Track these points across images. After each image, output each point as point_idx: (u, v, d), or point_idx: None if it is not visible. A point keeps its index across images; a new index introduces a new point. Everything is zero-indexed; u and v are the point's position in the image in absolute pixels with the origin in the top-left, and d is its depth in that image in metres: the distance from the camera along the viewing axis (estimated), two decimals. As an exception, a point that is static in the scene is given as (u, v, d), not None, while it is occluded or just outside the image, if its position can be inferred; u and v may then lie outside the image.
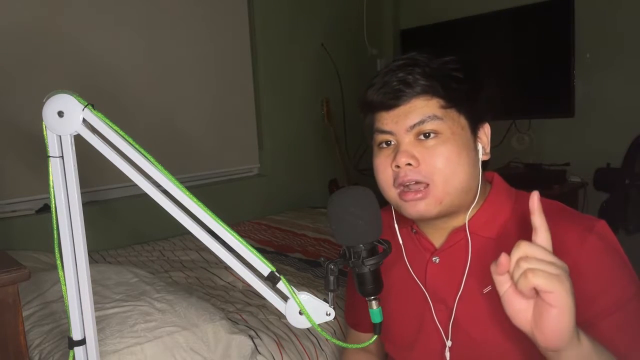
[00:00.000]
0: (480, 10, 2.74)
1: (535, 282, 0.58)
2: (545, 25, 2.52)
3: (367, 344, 0.74)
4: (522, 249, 0.61)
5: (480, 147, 0.83)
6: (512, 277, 0.62)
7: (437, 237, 0.87)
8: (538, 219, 0.63)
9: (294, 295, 0.65)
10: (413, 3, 3.29)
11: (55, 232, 0.64)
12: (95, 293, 0.89)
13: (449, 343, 0.84)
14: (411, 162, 0.78)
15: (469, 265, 0.82)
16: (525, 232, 0.79)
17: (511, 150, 2.76)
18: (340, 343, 0.75)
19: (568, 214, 0.81)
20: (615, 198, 2.22)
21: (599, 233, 0.76)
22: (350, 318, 1.08)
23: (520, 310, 0.62)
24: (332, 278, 0.66)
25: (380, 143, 0.83)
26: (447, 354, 0.84)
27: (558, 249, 0.75)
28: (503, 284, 0.63)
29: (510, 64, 2.70)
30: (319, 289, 1.60)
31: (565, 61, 2.42)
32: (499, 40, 2.71)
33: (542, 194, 0.86)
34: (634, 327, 0.73)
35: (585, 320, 0.70)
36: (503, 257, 0.61)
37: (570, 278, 0.60)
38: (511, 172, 2.64)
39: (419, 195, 0.78)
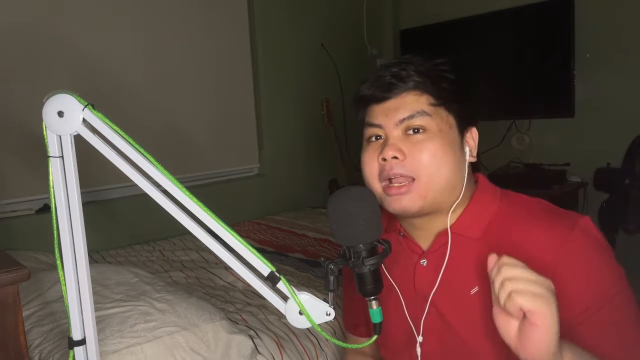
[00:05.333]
0: (480, 10, 2.74)
1: (520, 302, 0.60)
2: (545, 25, 2.52)
3: (367, 343, 0.74)
4: (507, 270, 0.62)
5: (467, 149, 0.84)
6: (497, 297, 0.63)
7: (424, 239, 0.88)
8: (504, 271, 0.64)
9: (294, 295, 0.65)
10: (413, 3, 3.29)
11: (55, 232, 0.64)
12: (95, 293, 0.89)
13: (420, 338, 0.85)
14: (397, 155, 0.78)
15: (446, 264, 0.83)
16: (510, 233, 0.80)
17: (511, 150, 2.76)
18: (340, 343, 0.75)
19: (550, 213, 0.81)
20: (615, 198, 2.22)
21: (582, 229, 0.76)
22: (349, 322, 1.08)
23: (506, 325, 0.64)
24: (332, 278, 0.67)
25: (370, 137, 0.84)
26: (418, 350, 0.85)
27: (541, 249, 0.75)
28: (495, 298, 0.65)
29: (510, 64, 2.70)
30: (319, 289, 1.60)
31: (565, 61, 2.42)
32: (499, 40, 2.71)
33: (540, 194, 0.87)
34: (618, 325, 0.73)
35: (569, 319, 0.70)
36: (490, 258, 0.64)
37: (555, 296, 0.62)
38: (511, 172, 2.64)
39: (403, 189, 0.79)
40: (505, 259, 0.64)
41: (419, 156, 0.78)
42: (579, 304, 0.73)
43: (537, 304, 0.60)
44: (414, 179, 0.79)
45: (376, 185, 0.82)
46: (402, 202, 0.79)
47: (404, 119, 0.80)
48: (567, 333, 0.74)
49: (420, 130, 0.79)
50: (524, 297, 0.60)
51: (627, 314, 0.74)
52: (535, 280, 0.61)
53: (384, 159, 0.80)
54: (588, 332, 0.72)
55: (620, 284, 0.75)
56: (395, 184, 0.79)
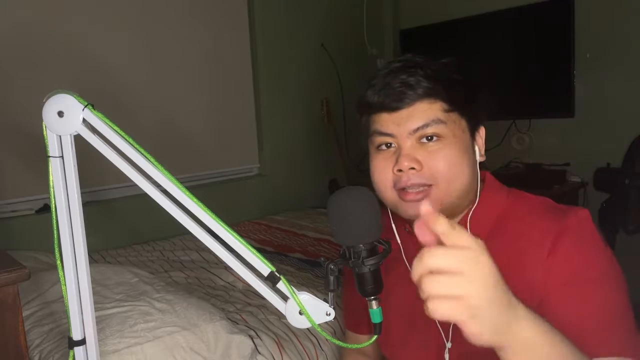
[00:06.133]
0: (480, 10, 2.74)
1: (437, 317, 0.50)
2: (545, 25, 2.52)
3: (367, 343, 0.74)
4: (424, 262, 0.51)
5: (477, 148, 0.83)
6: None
7: None
8: (438, 227, 0.54)
9: (294, 295, 0.65)
10: (413, 3, 3.29)
11: (55, 232, 0.64)
12: (95, 293, 0.89)
13: (448, 344, 0.84)
14: (415, 166, 0.77)
15: None
16: (519, 228, 0.80)
17: (511, 150, 2.76)
18: (340, 343, 0.75)
19: (553, 208, 0.82)
20: (615, 198, 2.22)
21: (578, 216, 0.78)
22: (349, 321, 1.08)
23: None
24: (332, 278, 0.66)
25: (380, 145, 0.82)
26: (447, 356, 0.84)
27: (540, 235, 0.76)
28: None
29: (510, 64, 2.70)
30: (319, 289, 1.60)
31: (565, 61, 2.42)
32: (499, 40, 2.71)
33: (540, 194, 0.87)
34: (596, 304, 0.73)
35: (548, 289, 0.71)
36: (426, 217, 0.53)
37: (497, 274, 0.53)
38: (511, 172, 2.64)
39: (420, 196, 0.77)
40: (424, 249, 0.52)
41: (436, 165, 0.77)
42: (561, 276, 0.73)
43: (457, 315, 0.50)
44: (431, 185, 0.77)
45: (389, 194, 0.80)
46: (419, 208, 0.78)
47: (418, 129, 0.77)
48: (542, 300, 0.73)
49: (435, 138, 0.77)
50: (441, 309, 0.50)
51: (610, 297, 0.73)
52: (456, 267, 0.50)
53: (400, 170, 0.77)
54: (563, 303, 0.72)
55: (609, 270, 0.75)
56: (412, 191, 0.78)
